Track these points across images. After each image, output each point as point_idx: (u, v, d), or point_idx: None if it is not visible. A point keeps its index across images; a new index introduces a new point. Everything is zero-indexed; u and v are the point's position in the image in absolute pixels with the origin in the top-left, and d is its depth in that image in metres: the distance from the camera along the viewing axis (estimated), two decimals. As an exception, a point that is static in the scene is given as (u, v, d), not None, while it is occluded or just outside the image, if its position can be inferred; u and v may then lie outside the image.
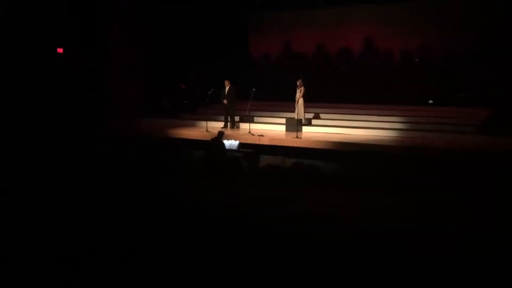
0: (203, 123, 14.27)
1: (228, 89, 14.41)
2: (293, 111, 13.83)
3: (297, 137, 12.34)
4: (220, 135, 11.43)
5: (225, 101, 14.34)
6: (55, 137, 11.61)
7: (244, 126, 14.06)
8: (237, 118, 14.72)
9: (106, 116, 15.33)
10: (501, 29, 13.72)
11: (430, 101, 14.74)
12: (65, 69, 15.29)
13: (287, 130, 13.39)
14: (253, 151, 11.81)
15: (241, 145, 11.94)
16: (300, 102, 13.65)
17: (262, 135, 12.71)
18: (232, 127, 14.45)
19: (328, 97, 15.69)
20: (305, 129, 13.49)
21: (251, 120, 13.59)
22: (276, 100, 16.05)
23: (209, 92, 14.49)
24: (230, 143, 11.91)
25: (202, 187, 5.90)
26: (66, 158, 8.18)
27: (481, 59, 14.08)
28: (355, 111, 14.81)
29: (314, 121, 14.39)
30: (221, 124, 14.55)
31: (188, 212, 4.97)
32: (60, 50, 15.56)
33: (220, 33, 17.19)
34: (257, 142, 12.36)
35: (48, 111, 14.31)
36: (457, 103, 14.14)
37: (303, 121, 13.62)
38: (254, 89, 13.56)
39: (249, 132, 13.07)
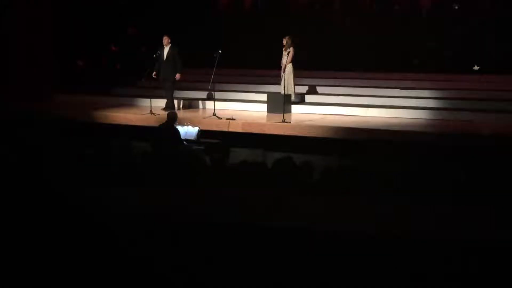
0: (147, 101, 14.18)
1: (168, 50, 14.12)
2: (278, 83, 13.87)
3: (284, 121, 12.38)
4: (172, 118, 11.38)
5: (154, 74, 13.93)
6: None
7: (208, 105, 14.02)
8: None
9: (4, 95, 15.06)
10: None
11: (476, 67, 14.79)
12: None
13: (269, 111, 13.44)
14: (219, 142, 11.82)
15: (202, 133, 11.93)
16: (288, 69, 13.71)
17: (232, 119, 12.72)
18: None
19: (328, 63, 15.72)
20: (295, 108, 13.54)
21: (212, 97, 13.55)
22: (252, 68, 16.04)
23: (154, 56, 14.34)
24: (186, 131, 11.86)
25: (145, 196, 5.83)
26: None
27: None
28: (367, 83, 14.93)
29: (308, 98, 14.46)
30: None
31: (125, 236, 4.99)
32: None
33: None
34: (225, 129, 12.37)
35: None
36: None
37: (292, 97, 13.68)
38: (220, 51, 13.52)
39: (214, 114, 13.06)
